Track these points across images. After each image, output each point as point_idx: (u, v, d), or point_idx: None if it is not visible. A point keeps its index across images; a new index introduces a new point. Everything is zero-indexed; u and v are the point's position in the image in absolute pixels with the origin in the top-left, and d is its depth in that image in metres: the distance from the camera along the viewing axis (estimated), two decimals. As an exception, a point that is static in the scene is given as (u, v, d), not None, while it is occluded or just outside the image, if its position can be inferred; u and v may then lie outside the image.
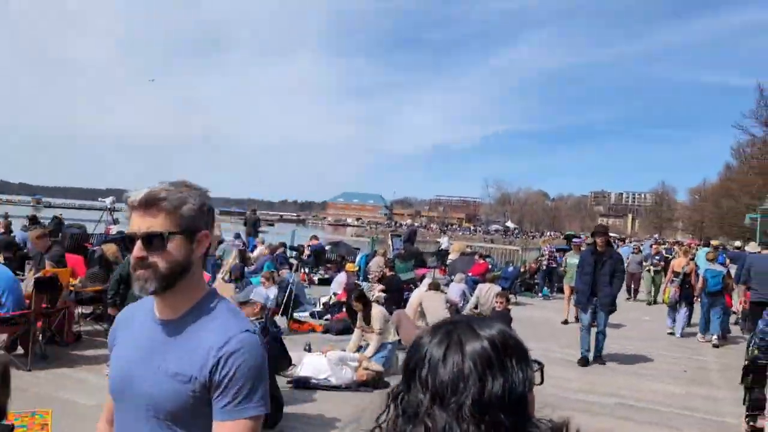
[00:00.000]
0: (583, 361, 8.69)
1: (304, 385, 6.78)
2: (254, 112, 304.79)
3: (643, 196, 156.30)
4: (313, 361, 7.10)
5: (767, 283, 9.62)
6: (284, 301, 9.41)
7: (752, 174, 26.47)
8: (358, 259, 15.86)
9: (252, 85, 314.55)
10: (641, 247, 21.81)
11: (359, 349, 7.78)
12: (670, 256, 17.66)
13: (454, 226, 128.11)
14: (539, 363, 1.14)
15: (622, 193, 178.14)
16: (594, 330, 8.86)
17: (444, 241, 23.06)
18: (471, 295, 12.55)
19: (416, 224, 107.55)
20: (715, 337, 10.87)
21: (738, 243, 17.39)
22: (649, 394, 7.47)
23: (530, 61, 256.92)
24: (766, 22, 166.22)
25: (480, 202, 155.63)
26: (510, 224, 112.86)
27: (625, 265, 18.16)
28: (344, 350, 7.62)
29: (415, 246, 22.15)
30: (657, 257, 17.05)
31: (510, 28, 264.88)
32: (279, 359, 5.30)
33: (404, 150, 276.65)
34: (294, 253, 17.53)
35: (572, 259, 12.69)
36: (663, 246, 27.31)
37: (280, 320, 9.82)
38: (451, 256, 19.03)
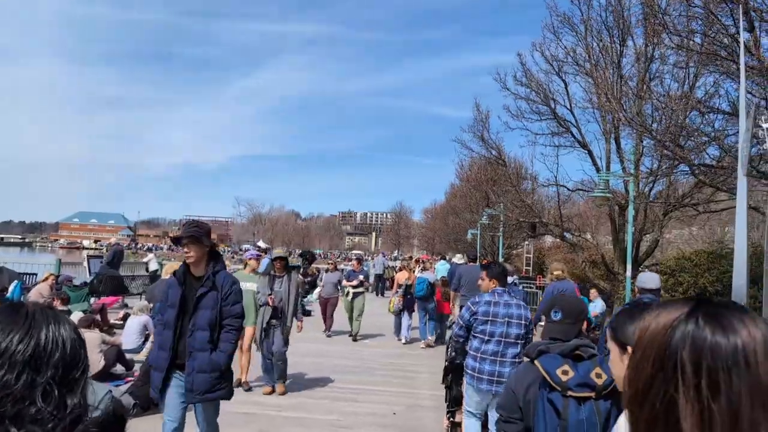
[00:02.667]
0: None
1: None
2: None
3: (385, 215, 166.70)
4: None
5: (474, 290, 9.98)
6: None
7: (471, 189, 28.11)
8: (11, 288, 11.90)
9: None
10: (339, 264, 19.59)
11: None
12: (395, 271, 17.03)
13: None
14: None
15: (366, 213, 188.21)
16: None
17: (152, 262, 19.42)
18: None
19: (136, 244, 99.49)
20: (428, 338, 12.39)
21: (458, 256, 17.28)
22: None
23: (283, 84, 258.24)
24: (489, 65, 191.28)
25: (232, 221, 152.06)
26: (261, 244, 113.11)
27: (319, 287, 15.39)
28: None
29: (119, 270, 18.43)
30: (360, 274, 13.71)
31: (265, 51, 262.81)
32: None
33: (151, 168, 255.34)
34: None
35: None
36: (398, 261, 27.25)
37: None
38: (160, 280, 15.86)
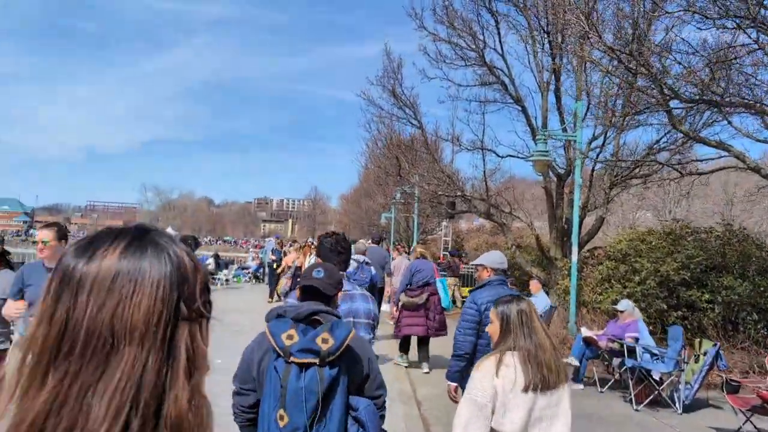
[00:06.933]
0: None
1: None
2: None
3: (301, 202, 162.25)
4: None
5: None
6: None
7: (381, 158, 24.77)
8: None
9: None
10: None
11: None
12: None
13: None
14: None
15: (283, 200, 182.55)
16: None
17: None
18: None
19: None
20: None
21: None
22: None
23: (195, 66, 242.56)
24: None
25: (140, 208, 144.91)
26: (171, 231, 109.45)
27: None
28: None
29: None
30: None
31: (172, 30, 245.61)
32: None
33: (52, 151, 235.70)
34: None
35: None
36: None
37: None
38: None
